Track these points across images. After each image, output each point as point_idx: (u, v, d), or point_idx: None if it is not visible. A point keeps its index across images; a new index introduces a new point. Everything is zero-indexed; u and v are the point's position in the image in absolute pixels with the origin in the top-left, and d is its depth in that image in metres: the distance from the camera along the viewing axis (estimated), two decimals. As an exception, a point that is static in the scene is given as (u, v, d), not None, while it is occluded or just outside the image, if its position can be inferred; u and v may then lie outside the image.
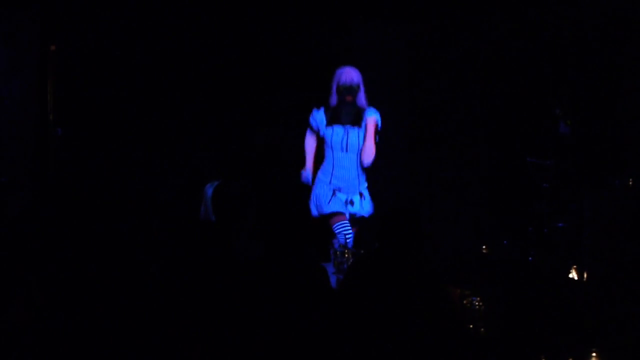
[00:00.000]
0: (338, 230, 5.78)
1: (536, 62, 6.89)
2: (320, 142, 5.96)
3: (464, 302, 4.10)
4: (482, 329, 3.97)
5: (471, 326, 3.98)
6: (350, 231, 5.77)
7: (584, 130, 6.41)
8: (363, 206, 5.92)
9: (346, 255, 4.90)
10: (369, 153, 5.81)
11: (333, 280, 4.64)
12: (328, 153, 5.91)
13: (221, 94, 7.02)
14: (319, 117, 5.92)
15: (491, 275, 5.78)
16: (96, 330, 3.19)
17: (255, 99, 7.03)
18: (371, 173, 5.94)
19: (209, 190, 4.43)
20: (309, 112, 5.93)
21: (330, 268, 4.74)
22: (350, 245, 5.38)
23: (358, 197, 5.92)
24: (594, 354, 3.77)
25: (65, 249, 3.53)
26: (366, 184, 5.96)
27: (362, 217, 5.95)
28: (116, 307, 3.27)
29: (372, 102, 5.85)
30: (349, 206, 5.91)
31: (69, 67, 6.78)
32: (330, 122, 5.86)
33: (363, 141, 5.82)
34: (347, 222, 5.81)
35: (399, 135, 7.19)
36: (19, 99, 6.74)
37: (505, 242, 6.48)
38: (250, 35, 7.03)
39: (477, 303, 4.03)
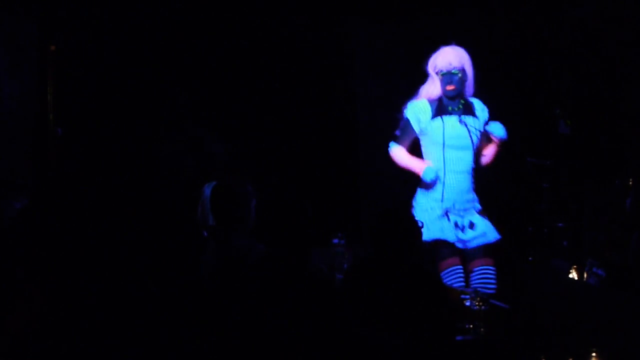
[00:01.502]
0: (449, 281, 4.49)
1: (536, 62, 6.88)
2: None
3: (464, 302, 4.11)
4: (482, 329, 3.97)
5: (471, 326, 3.98)
6: (462, 281, 4.57)
7: (584, 130, 6.40)
8: (486, 229, 4.71)
9: (346, 255, 4.90)
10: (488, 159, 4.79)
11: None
12: (436, 157, 4.67)
13: (222, 94, 7.01)
14: (421, 106, 4.71)
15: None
16: (96, 331, 3.19)
17: (255, 99, 7.02)
18: (370, 173, 5.85)
19: (207, 190, 4.42)
20: (309, 112, 5.72)
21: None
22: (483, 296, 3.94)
23: (478, 217, 4.72)
24: (594, 354, 3.77)
25: (65, 250, 3.53)
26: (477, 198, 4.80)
27: (488, 244, 4.73)
28: (115, 308, 3.27)
29: (371, 103, 5.71)
30: (467, 231, 4.64)
31: (69, 67, 6.77)
32: (437, 113, 4.68)
33: (479, 138, 4.71)
34: (460, 268, 4.60)
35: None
36: (19, 99, 6.73)
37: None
38: (250, 36, 7.02)
39: (477, 303, 4.03)
